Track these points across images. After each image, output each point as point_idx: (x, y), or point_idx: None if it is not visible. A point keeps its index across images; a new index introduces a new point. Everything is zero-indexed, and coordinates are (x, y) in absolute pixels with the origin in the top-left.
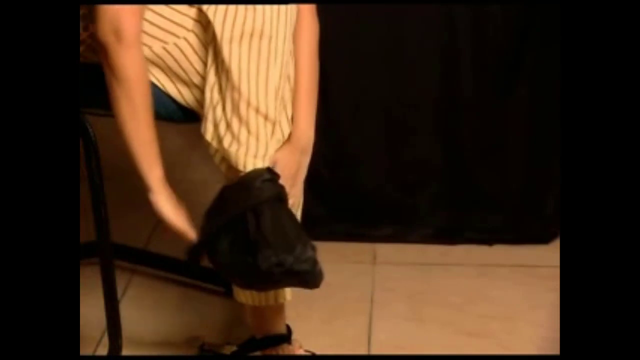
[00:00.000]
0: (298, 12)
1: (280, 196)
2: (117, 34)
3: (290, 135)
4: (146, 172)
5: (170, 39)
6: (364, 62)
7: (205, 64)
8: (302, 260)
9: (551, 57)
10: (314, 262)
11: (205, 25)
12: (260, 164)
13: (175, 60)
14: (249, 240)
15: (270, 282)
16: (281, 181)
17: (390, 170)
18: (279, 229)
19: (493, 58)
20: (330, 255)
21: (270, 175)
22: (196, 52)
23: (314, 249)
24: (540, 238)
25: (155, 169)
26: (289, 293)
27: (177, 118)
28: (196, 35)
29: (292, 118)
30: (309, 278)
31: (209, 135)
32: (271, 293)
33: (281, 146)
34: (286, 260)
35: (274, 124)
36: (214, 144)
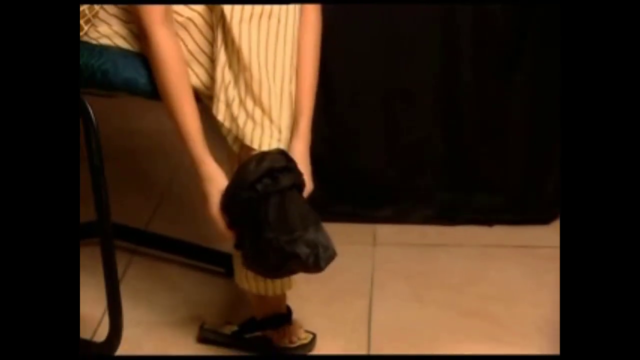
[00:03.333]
0: (303, 8)
1: (296, 184)
2: (141, 33)
3: (296, 128)
4: (191, 144)
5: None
6: (364, 45)
7: (210, 43)
8: (299, 241)
9: (552, 40)
10: (315, 245)
11: (210, 6)
12: (275, 145)
13: (181, 39)
14: (257, 224)
15: (271, 264)
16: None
17: (390, 151)
18: (282, 212)
19: (493, 41)
20: (331, 237)
21: (286, 162)
22: (202, 33)
23: (319, 232)
24: (540, 219)
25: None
26: (292, 282)
27: None
28: (201, 15)
29: (296, 111)
30: (309, 260)
31: (221, 115)
32: (277, 283)
33: (294, 139)
34: (280, 239)
35: (281, 103)
36: (227, 123)
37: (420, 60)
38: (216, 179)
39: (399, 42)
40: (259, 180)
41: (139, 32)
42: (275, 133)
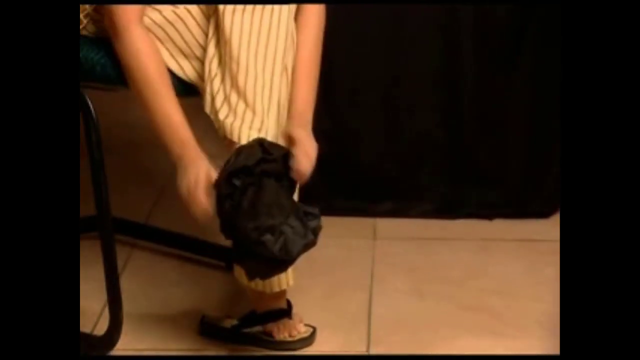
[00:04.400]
0: (304, 9)
1: (274, 173)
2: (112, 30)
3: (295, 121)
4: (168, 139)
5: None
6: (364, 38)
7: (207, 36)
8: (263, 229)
9: (553, 34)
10: (281, 232)
11: None
12: (255, 135)
13: (178, 31)
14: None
15: (243, 253)
16: (306, 161)
17: (390, 145)
18: (253, 202)
19: (494, 34)
20: (331, 231)
21: (262, 154)
22: (198, 25)
23: (291, 220)
24: (540, 213)
25: (177, 135)
26: (291, 279)
27: (178, 92)
28: (199, 7)
29: (293, 103)
30: (275, 248)
31: (207, 108)
32: (275, 280)
33: (296, 127)
34: (247, 227)
35: (270, 95)
36: (212, 117)
37: (421, 56)
38: (197, 161)
39: (400, 38)
40: (236, 175)
41: (112, 31)
42: (257, 123)
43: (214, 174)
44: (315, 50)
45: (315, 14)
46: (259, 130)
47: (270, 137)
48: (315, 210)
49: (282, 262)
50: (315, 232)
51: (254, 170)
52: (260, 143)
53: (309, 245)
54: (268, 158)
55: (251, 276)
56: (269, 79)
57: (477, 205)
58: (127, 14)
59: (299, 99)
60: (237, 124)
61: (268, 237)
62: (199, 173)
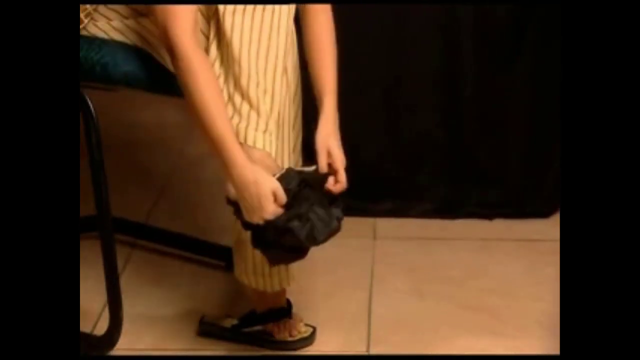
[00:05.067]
0: (311, 10)
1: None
2: (170, 51)
3: (321, 109)
4: (233, 145)
5: None
6: (364, 38)
7: (207, 37)
8: (291, 216)
9: (553, 34)
10: (308, 219)
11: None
12: (261, 137)
13: None
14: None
15: (269, 241)
16: (342, 177)
17: (390, 144)
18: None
19: (494, 34)
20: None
21: (304, 183)
22: (198, 25)
23: (317, 207)
24: (540, 212)
25: (238, 151)
26: (291, 278)
27: (178, 92)
28: (199, 8)
29: (326, 108)
30: (302, 233)
31: None
32: (276, 279)
33: (320, 120)
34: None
35: (272, 97)
36: None
37: (422, 57)
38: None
39: (401, 38)
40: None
41: (167, 48)
42: (262, 125)
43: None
44: (334, 50)
45: (324, 12)
46: (264, 132)
47: (273, 139)
48: (339, 201)
49: (304, 250)
50: (339, 219)
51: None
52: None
53: (333, 232)
54: (308, 181)
55: (273, 263)
56: (270, 81)
57: (477, 205)
58: (183, 31)
59: (330, 104)
60: (242, 125)
61: (295, 223)
62: (272, 188)
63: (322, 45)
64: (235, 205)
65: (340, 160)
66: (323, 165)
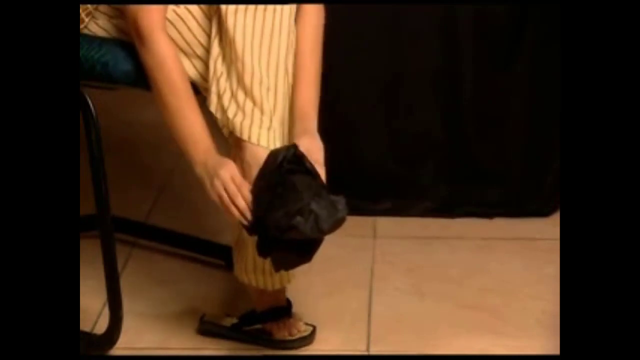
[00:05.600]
0: (303, 9)
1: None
2: (138, 37)
3: (300, 124)
4: (192, 144)
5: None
6: (364, 35)
7: (208, 35)
8: (292, 213)
9: (552, 31)
10: (310, 211)
11: None
12: (265, 135)
13: (178, 31)
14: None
15: (272, 240)
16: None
17: (390, 144)
18: (282, 193)
19: (493, 31)
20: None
21: (296, 165)
22: (199, 24)
23: (318, 199)
24: (540, 211)
25: (201, 141)
26: (291, 277)
27: None
28: (200, 7)
29: (297, 104)
30: (307, 227)
31: (213, 106)
32: (276, 277)
33: (300, 136)
34: (277, 215)
35: (275, 95)
36: (218, 115)
37: (421, 54)
38: (229, 163)
39: (400, 38)
40: (263, 177)
41: (136, 37)
42: (266, 122)
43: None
44: (316, 50)
45: (314, 14)
46: (268, 129)
47: (277, 136)
48: (340, 196)
49: (310, 248)
50: (343, 208)
51: (280, 170)
52: (275, 151)
53: (339, 221)
54: (289, 159)
55: (278, 267)
56: (273, 79)
57: (477, 204)
58: (152, 20)
59: (302, 100)
60: (247, 122)
61: (298, 219)
62: (234, 173)
63: (305, 42)
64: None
65: (313, 157)
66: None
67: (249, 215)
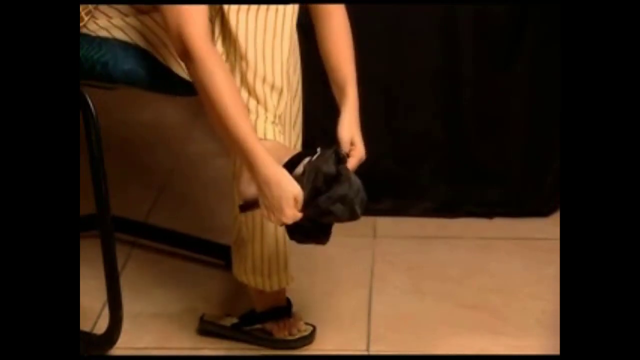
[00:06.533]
0: (327, 11)
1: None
2: (186, 53)
3: (344, 99)
4: (255, 144)
5: None
6: (364, 37)
7: (212, 35)
8: (331, 198)
9: (552, 31)
10: (343, 198)
11: None
12: (271, 128)
13: None
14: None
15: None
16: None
17: (390, 144)
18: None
19: (493, 31)
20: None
21: (337, 171)
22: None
23: (343, 184)
24: (540, 211)
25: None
26: (290, 278)
27: (178, 91)
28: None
29: (348, 101)
30: (345, 216)
31: None
32: (275, 278)
33: (343, 109)
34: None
35: (280, 94)
36: None
37: (421, 56)
38: (296, 189)
39: (400, 35)
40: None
41: (181, 51)
42: (270, 117)
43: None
44: (351, 45)
45: (340, 14)
46: (273, 122)
47: (282, 131)
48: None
49: (327, 230)
50: (363, 187)
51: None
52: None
53: (364, 202)
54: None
55: (292, 237)
56: (278, 78)
57: (477, 204)
58: (198, 33)
59: (353, 94)
60: (252, 118)
61: (338, 205)
62: (294, 194)
63: (341, 40)
64: (250, 207)
65: (360, 151)
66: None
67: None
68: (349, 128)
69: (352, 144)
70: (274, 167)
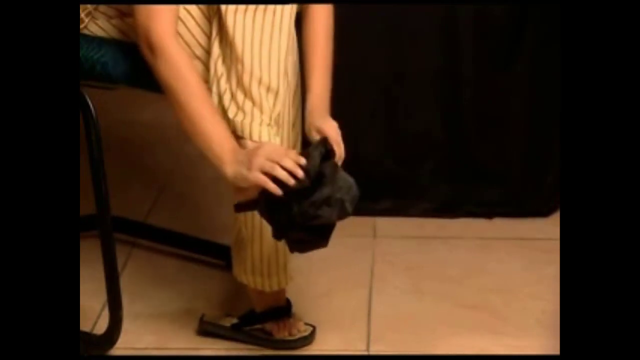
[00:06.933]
0: (311, 9)
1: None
2: (151, 49)
3: (317, 107)
4: (218, 147)
5: None
6: (364, 37)
7: (207, 36)
8: (317, 203)
9: (552, 31)
10: (328, 199)
11: None
12: (266, 131)
13: (178, 32)
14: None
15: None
16: (339, 150)
17: (390, 143)
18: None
19: (493, 31)
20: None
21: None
22: (198, 25)
23: (333, 184)
24: (540, 211)
25: (226, 141)
26: (290, 278)
27: None
28: (198, 7)
29: (311, 95)
30: (333, 216)
31: None
32: (274, 279)
33: (321, 119)
34: (303, 205)
35: (276, 95)
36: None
37: (421, 53)
38: (263, 143)
39: (400, 35)
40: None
41: (147, 49)
42: (266, 119)
43: None
44: (327, 43)
45: (324, 14)
46: (268, 125)
47: (277, 133)
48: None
49: (326, 232)
50: (355, 184)
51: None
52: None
53: (356, 198)
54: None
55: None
56: (274, 79)
57: (477, 204)
58: (164, 30)
59: (316, 90)
60: (247, 121)
61: (325, 209)
62: (274, 146)
63: (317, 38)
64: (245, 207)
65: (332, 127)
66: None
67: (300, 172)
68: (313, 119)
69: (319, 131)
70: (241, 150)
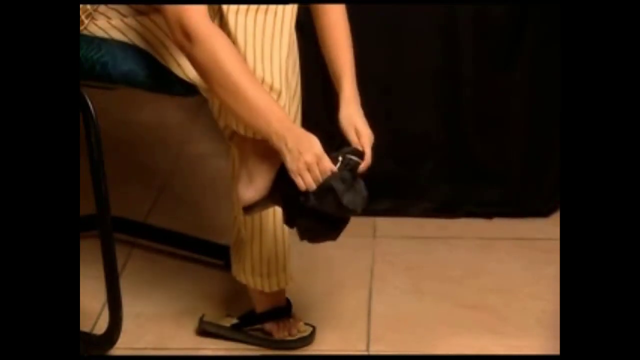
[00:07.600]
0: (325, 9)
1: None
2: (187, 36)
3: (347, 100)
4: (265, 115)
5: None
6: (365, 37)
7: None
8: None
9: (552, 31)
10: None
11: None
12: None
13: None
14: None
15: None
16: (366, 143)
17: (390, 144)
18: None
19: (493, 31)
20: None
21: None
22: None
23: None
24: (540, 211)
25: (274, 109)
26: (290, 278)
27: (177, 92)
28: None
29: (345, 88)
30: (331, 199)
31: (215, 108)
32: (274, 279)
33: (348, 114)
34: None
35: (278, 95)
36: (221, 116)
37: (421, 56)
38: (312, 139)
39: (400, 35)
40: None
41: (183, 37)
42: None
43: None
44: (349, 40)
45: (339, 12)
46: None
47: None
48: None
49: (337, 226)
50: (366, 192)
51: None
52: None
53: (365, 200)
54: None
55: (302, 237)
56: (277, 81)
57: (477, 204)
58: (198, 14)
59: (349, 84)
60: None
61: (340, 184)
62: (317, 145)
63: (337, 32)
64: (254, 207)
65: (367, 137)
66: (355, 143)
67: (314, 186)
68: (349, 118)
69: (357, 132)
70: (294, 126)
